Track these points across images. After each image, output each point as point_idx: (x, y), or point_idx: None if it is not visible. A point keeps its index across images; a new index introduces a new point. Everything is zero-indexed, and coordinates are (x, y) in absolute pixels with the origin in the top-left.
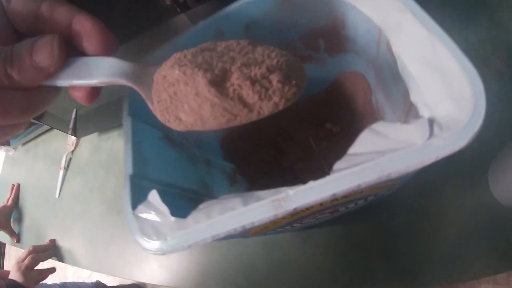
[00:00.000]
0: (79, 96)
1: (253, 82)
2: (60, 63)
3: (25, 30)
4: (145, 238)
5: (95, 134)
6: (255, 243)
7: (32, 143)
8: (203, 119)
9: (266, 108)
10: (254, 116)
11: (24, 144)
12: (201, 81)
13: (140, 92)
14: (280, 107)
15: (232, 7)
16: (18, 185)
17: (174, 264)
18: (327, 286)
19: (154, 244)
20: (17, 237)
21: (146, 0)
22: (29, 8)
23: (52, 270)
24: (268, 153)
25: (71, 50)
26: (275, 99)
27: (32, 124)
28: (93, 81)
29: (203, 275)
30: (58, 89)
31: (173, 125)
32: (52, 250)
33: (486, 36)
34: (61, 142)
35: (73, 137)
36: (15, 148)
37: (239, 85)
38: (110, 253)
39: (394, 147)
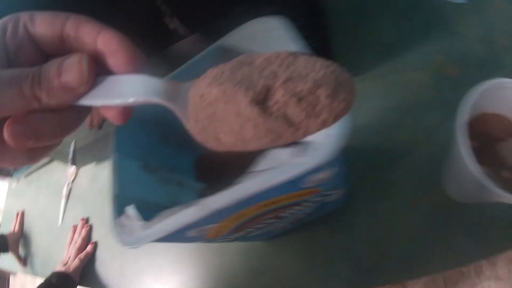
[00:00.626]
0: (111, 115)
1: (300, 99)
2: (90, 83)
3: (52, 51)
4: (123, 238)
5: (93, 163)
6: (235, 253)
7: (35, 175)
8: (244, 139)
9: (313, 127)
10: (300, 136)
11: (26, 176)
12: (242, 100)
13: (175, 111)
14: (329, 124)
15: (189, 61)
16: (23, 212)
17: (167, 276)
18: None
19: (128, 241)
20: (23, 261)
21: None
22: (54, 29)
23: (90, 250)
24: (238, 173)
25: (99, 69)
26: (323, 116)
27: None
28: (125, 101)
29: (191, 284)
30: (88, 107)
31: (212, 145)
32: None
33: (441, 45)
34: (62, 173)
35: (73, 168)
36: (17, 181)
37: (285, 103)
38: (110, 270)
39: (276, 166)
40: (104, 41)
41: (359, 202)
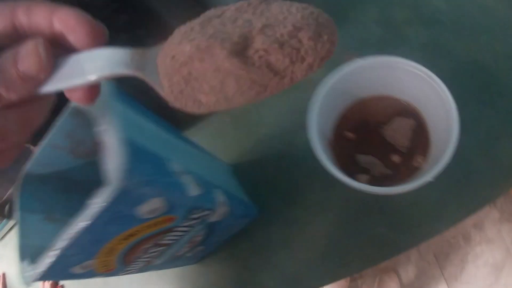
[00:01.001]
0: (77, 97)
1: (281, 44)
2: (50, 67)
3: (7, 42)
4: (23, 278)
5: None
6: (173, 280)
7: (8, 237)
8: (227, 96)
9: (299, 72)
10: (286, 83)
11: (1, 239)
12: (220, 53)
13: (145, 80)
14: (315, 68)
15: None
16: (4, 274)
17: None
18: None
19: (26, 282)
20: None
21: None
22: (4, 20)
23: None
24: None
25: (60, 51)
26: (309, 59)
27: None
28: (89, 78)
29: None
30: (52, 94)
31: (193, 109)
32: None
33: (338, 36)
34: None
35: None
36: None
37: (266, 50)
38: None
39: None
40: (61, 20)
41: (273, 212)
